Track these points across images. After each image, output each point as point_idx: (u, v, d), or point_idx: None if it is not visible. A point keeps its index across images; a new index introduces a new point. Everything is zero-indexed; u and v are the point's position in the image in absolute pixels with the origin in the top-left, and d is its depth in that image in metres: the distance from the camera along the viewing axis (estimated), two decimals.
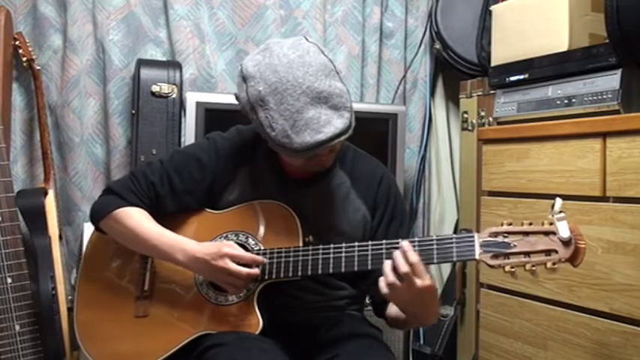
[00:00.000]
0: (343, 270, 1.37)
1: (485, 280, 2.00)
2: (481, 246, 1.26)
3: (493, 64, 2.12)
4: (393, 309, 1.47)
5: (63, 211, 2.26)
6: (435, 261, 1.29)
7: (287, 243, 1.43)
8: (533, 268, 1.23)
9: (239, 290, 1.42)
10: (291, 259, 1.40)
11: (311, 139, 1.30)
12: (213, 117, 2.21)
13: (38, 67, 2.14)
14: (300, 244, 1.43)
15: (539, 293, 1.78)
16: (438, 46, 2.59)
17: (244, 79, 1.36)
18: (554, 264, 1.22)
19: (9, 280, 1.80)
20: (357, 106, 2.36)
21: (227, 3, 2.46)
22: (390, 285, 1.25)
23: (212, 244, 1.42)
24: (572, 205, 1.65)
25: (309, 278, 1.44)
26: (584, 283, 1.64)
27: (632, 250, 1.52)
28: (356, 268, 1.36)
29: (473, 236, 1.27)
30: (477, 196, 2.25)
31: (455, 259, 1.29)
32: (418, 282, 1.23)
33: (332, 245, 1.39)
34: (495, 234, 1.26)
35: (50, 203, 2.01)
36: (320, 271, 1.38)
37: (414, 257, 1.23)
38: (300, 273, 1.39)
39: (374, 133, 2.41)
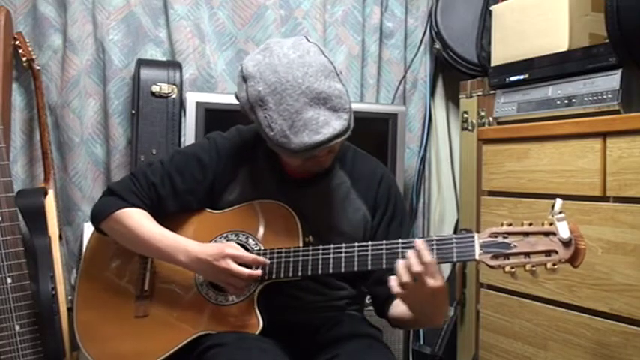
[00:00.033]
0: (343, 270, 1.37)
1: (485, 280, 2.00)
2: (481, 246, 1.26)
3: (493, 64, 2.12)
4: (397, 309, 1.46)
5: (63, 211, 2.26)
6: (436, 261, 1.29)
7: (287, 243, 1.43)
8: (533, 269, 1.23)
9: (241, 291, 1.42)
10: (291, 259, 1.40)
11: (309, 140, 1.30)
12: (213, 117, 2.21)
13: (38, 67, 2.14)
14: (300, 244, 1.43)
15: (539, 293, 1.78)
16: (438, 46, 2.59)
17: (244, 78, 1.36)
18: (554, 264, 1.22)
19: (9, 280, 1.80)
20: (357, 106, 2.37)
21: (227, 3, 2.46)
22: (403, 284, 1.25)
23: (214, 245, 1.42)
24: (572, 205, 1.65)
25: (309, 278, 1.44)
26: (584, 283, 1.64)
27: (632, 250, 1.52)
28: (356, 269, 1.36)
29: (473, 236, 1.27)
30: (477, 196, 2.25)
31: (455, 259, 1.29)
32: (430, 282, 1.23)
33: (332, 245, 1.39)
34: (495, 234, 1.26)
35: (50, 203, 2.01)
36: (320, 271, 1.38)
37: (428, 257, 1.23)
38: (300, 273, 1.39)
39: (374, 133, 2.41)
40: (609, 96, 1.71)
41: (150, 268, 1.53)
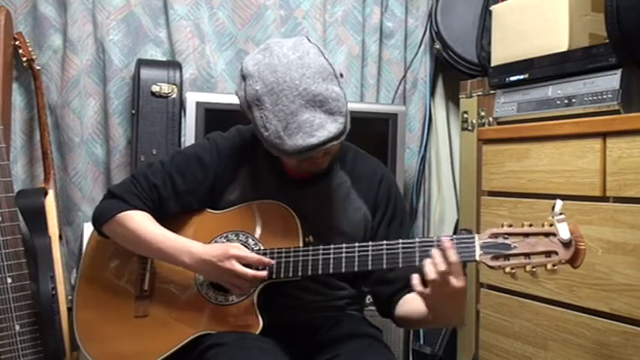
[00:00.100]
0: (344, 270, 1.37)
1: (485, 280, 2.00)
2: (481, 247, 1.26)
3: (493, 64, 2.12)
4: (404, 308, 1.46)
5: (63, 211, 2.26)
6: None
7: (287, 243, 1.43)
8: (534, 270, 1.23)
9: (245, 291, 1.42)
10: (292, 259, 1.40)
11: (303, 143, 1.30)
12: (213, 117, 2.21)
13: (38, 67, 2.14)
14: (301, 245, 1.43)
15: (539, 293, 1.78)
16: (438, 46, 2.59)
17: (244, 77, 1.36)
18: (554, 265, 1.22)
19: (9, 280, 1.80)
20: (357, 106, 2.40)
21: (227, 3, 2.46)
22: (428, 282, 1.24)
23: (218, 246, 1.42)
24: (572, 205, 1.65)
25: (309, 278, 1.43)
26: (584, 283, 1.64)
27: (632, 250, 1.52)
28: (356, 269, 1.36)
29: (473, 237, 1.27)
30: (476, 196, 2.25)
31: None
32: (454, 281, 1.23)
33: (332, 246, 1.39)
34: (496, 235, 1.26)
35: (50, 203, 2.02)
36: (320, 272, 1.38)
37: (453, 256, 1.22)
38: (300, 273, 1.39)
39: (374, 133, 2.41)
40: (609, 96, 1.71)
41: (150, 268, 1.53)
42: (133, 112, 2.23)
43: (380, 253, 1.35)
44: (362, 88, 2.63)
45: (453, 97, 2.73)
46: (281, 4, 2.50)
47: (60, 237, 2.05)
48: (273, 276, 1.40)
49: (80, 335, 1.52)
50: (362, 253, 1.36)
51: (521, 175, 1.85)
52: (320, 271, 1.38)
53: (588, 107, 1.76)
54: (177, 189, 1.50)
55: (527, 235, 1.25)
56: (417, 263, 1.31)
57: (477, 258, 1.26)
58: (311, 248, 1.40)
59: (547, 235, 1.24)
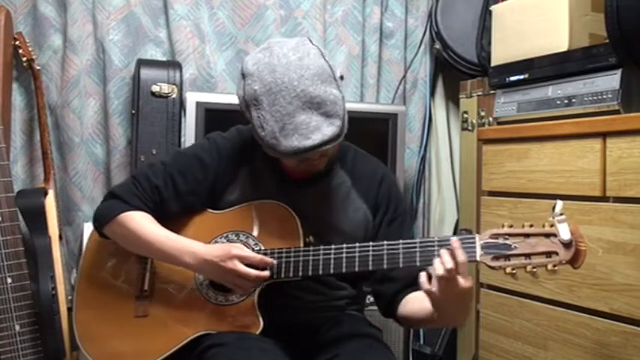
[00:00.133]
0: (344, 270, 1.37)
1: (486, 280, 2.00)
2: (482, 247, 1.26)
3: (493, 64, 2.12)
4: (408, 307, 1.46)
5: (63, 211, 2.26)
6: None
7: (287, 243, 1.43)
8: (534, 270, 1.23)
9: (247, 292, 1.42)
10: (292, 259, 1.40)
11: (298, 144, 1.30)
12: (213, 117, 2.21)
13: (38, 67, 2.14)
14: (301, 245, 1.42)
15: (539, 293, 1.78)
16: (438, 46, 2.59)
17: (243, 75, 1.37)
18: (554, 266, 1.22)
19: (9, 280, 1.80)
20: (357, 106, 2.40)
21: (227, 3, 2.46)
22: (436, 280, 1.24)
23: (220, 246, 1.42)
24: (572, 205, 1.65)
25: (310, 278, 1.43)
26: (585, 283, 1.64)
27: (632, 250, 1.52)
28: (357, 269, 1.36)
29: (474, 238, 1.27)
30: (477, 196, 2.25)
31: None
32: (461, 281, 1.23)
33: (333, 246, 1.39)
34: (496, 236, 1.26)
35: (50, 203, 2.01)
36: (321, 272, 1.38)
37: (462, 256, 1.23)
38: (300, 273, 1.39)
39: (374, 133, 2.41)
40: (609, 96, 1.71)
41: (149, 268, 1.53)
42: (133, 112, 2.23)
43: (380, 253, 1.35)
44: (362, 88, 2.63)
45: (453, 97, 2.73)
46: (281, 4, 2.50)
47: (60, 237, 2.05)
48: (274, 276, 1.40)
49: (80, 335, 1.52)
50: (362, 254, 1.36)
51: (521, 175, 1.85)
52: (320, 272, 1.38)
53: (588, 107, 1.76)
54: (178, 189, 1.50)
55: (527, 235, 1.25)
56: (418, 263, 1.31)
57: (478, 258, 1.26)
58: (311, 248, 1.40)
59: (547, 235, 1.24)
